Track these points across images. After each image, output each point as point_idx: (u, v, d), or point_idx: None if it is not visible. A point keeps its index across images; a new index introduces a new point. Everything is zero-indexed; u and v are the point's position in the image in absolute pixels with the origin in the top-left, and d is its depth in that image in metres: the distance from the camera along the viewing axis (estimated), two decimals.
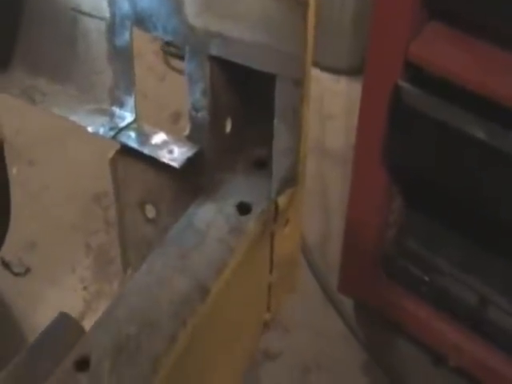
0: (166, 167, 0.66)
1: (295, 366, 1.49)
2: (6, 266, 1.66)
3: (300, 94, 0.60)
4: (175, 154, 0.65)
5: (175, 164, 0.64)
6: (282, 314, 1.58)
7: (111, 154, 0.69)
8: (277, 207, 0.65)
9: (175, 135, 0.67)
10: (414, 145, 1.27)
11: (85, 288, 1.55)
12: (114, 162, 0.70)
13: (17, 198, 1.73)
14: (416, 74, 1.18)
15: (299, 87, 0.60)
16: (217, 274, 0.57)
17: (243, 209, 0.64)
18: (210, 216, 0.63)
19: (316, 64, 2.05)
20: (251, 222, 0.63)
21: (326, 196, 1.87)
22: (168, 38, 0.64)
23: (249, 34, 0.60)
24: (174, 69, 2.06)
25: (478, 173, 1.21)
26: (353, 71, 2.07)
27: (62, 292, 1.53)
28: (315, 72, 2.11)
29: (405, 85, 1.21)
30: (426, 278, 1.45)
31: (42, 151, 1.76)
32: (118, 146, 0.70)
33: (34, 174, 1.74)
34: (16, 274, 1.61)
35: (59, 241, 1.58)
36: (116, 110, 0.69)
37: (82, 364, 0.51)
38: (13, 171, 1.71)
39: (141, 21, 0.65)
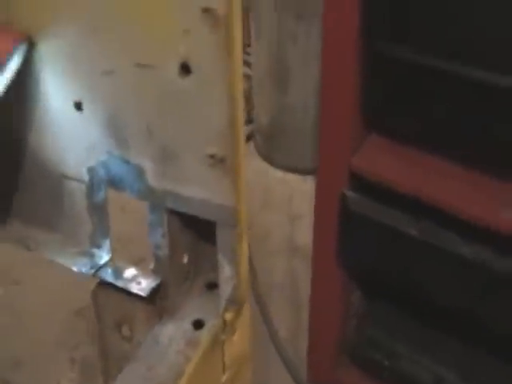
0: (137, 295, 0.84)
1: None
2: None
3: (236, 236, 0.79)
4: (143, 285, 0.83)
5: (143, 293, 0.82)
6: None
7: (92, 286, 0.87)
8: (225, 321, 0.83)
9: (143, 269, 0.85)
10: (362, 245, 1.43)
11: None
12: (94, 294, 0.87)
13: (2, 318, 1.84)
14: (359, 182, 1.34)
15: (235, 230, 0.79)
16: (176, 380, 0.74)
17: (198, 325, 0.82)
18: (171, 332, 0.81)
19: (282, 166, 2.20)
20: (204, 336, 0.80)
21: (296, 291, 1.98)
22: (134, 195, 0.83)
23: (194, 192, 0.79)
24: None
25: (416, 265, 1.36)
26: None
27: None
28: (282, 174, 2.27)
29: (350, 193, 1.37)
30: (386, 363, 1.58)
31: (27, 270, 1.87)
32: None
33: (19, 293, 1.83)
34: None
35: (44, 357, 1.66)
36: (95, 251, 0.88)
37: None
38: None
39: (113, 183, 0.84)
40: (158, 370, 0.76)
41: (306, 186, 2.21)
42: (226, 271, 0.81)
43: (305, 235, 2.01)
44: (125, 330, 0.90)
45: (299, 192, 2.27)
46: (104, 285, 0.86)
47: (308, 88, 1.90)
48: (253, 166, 1.85)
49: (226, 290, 0.82)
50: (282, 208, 2.33)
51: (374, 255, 1.44)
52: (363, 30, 1.21)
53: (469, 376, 1.48)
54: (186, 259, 0.87)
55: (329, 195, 1.44)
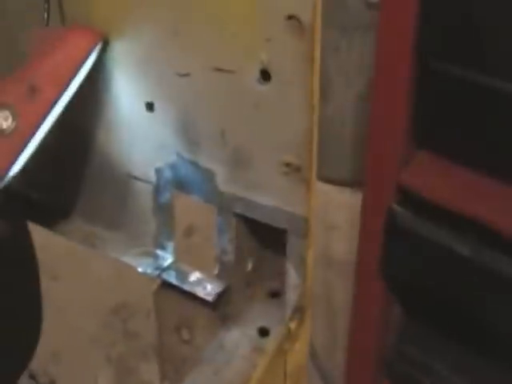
0: (200, 299, 0.84)
1: None
2: (33, 377, 1.75)
3: (306, 245, 0.78)
4: (208, 290, 0.83)
5: (209, 298, 0.82)
6: None
7: (154, 287, 0.87)
8: (289, 330, 0.82)
9: (207, 273, 0.85)
10: (407, 261, 1.42)
11: None
12: (156, 294, 0.87)
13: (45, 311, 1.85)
14: (407, 198, 1.33)
15: (305, 239, 0.78)
16: None
17: (263, 332, 0.82)
18: (236, 338, 0.80)
19: (320, 177, 2.20)
20: (270, 343, 0.80)
21: (331, 302, 1.97)
22: (202, 199, 0.83)
23: (265, 199, 0.78)
24: None
25: (463, 285, 1.35)
26: (355, 183, 2.22)
27: None
28: (319, 184, 2.26)
29: (398, 208, 1.37)
30: (426, 382, 1.57)
31: (66, 266, 1.89)
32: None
33: (58, 289, 1.86)
34: None
35: (81, 352, 1.68)
36: (159, 252, 0.88)
37: None
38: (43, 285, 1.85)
39: (180, 185, 0.84)
40: (224, 374, 0.75)
41: (342, 198, 2.20)
42: (292, 279, 0.80)
43: (340, 247, 2.00)
44: (184, 334, 0.90)
45: (335, 203, 2.27)
46: (166, 285, 0.86)
47: (347, 100, 1.90)
48: None
49: (291, 298, 0.81)
50: (317, 218, 2.32)
51: (418, 271, 1.43)
52: (418, 46, 1.20)
53: None
54: (250, 266, 0.86)
55: (375, 208, 1.43)
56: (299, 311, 0.82)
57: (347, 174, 2.31)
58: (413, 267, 1.40)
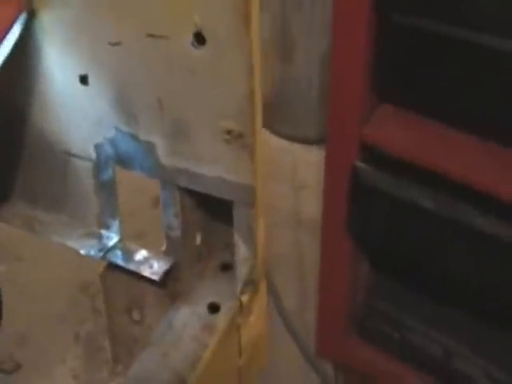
0: (148, 278, 0.80)
1: None
2: None
3: (253, 215, 0.75)
4: (155, 268, 0.79)
5: (155, 277, 0.78)
6: (267, 380, 1.67)
7: (100, 269, 0.83)
8: (241, 304, 0.79)
9: (154, 250, 0.81)
10: (373, 217, 1.40)
11: (75, 377, 1.61)
12: (103, 276, 0.83)
13: (6, 294, 1.80)
14: (370, 153, 1.31)
15: (252, 209, 0.75)
16: (192, 366, 0.71)
17: (213, 308, 0.78)
18: (185, 317, 0.77)
19: (287, 136, 2.17)
20: (220, 319, 0.77)
21: (302, 263, 1.96)
22: (144, 173, 0.79)
23: (208, 170, 0.75)
24: None
25: (429, 238, 1.34)
26: (323, 140, 2.19)
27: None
28: (287, 144, 2.23)
29: (361, 165, 1.34)
30: (396, 335, 1.56)
31: (30, 246, 1.85)
32: None
33: (23, 269, 1.82)
34: (6, 372, 1.65)
35: (49, 333, 1.65)
36: (103, 232, 0.84)
37: None
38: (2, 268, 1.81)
39: (122, 161, 0.80)
40: (173, 356, 0.72)
41: (310, 156, 2.15)
42: (242, 252, 0.77)
43: (310, 206, 1.97)
44: (135, 314, 0.86)
45: (304, 162, 2.24)
46: (113, 267, 0.82)
47: (313, 58, 1.86)
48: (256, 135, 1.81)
49: (242, 271, 0.78)
50: (286, 177, 2.30)
51: (384, 228, 1.41)
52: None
53: (479, 349, 1.47)
54: (198, 240, 0.83)
55: (339, 166, 1.40)
56: (251, 284, 0.79)
57: (314, 132, 2.27)
58: (378, 224, 1.38)
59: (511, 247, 1.24)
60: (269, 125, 1.77)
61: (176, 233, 0.80)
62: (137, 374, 0.71)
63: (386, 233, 1.41)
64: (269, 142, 1.83)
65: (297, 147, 2.26)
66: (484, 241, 1.27)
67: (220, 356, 0.76)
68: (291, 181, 2.14)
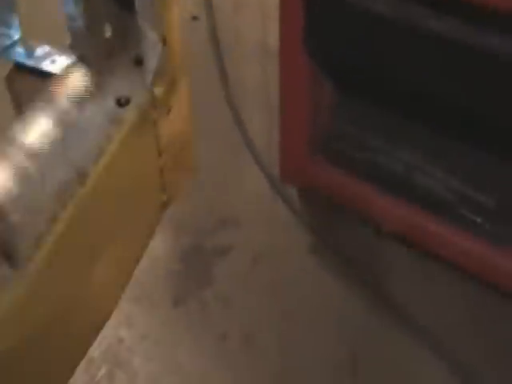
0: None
1: (246, 257, 1.58)
2: None
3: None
4: (57, 63, 0.73)
5: (56, 71, 0.72)
6: (234, 211, 1.67)
7: (5, 72, 0.77)
8: (154, 97, 0.74)
9: (58, 47, 0.75)
10: (329, 30, 1.33)
11: None
12: (9, 79, 0.77)
13: None
14: None
15: None
16: (95, 159, 0.66)
17: (122, 101, 0.73)
18: (91, 111, 0.72)
19: None
20: (129, 112, 0.71)
21: (268, 93, 1.92)
22: None
23: None
24: None
25: (386, 46, 1.28)
26: None
27: None
28: None
29: None
30: (357, 155, 1.54)
31: None
32: None
33: None
34: None
35: None
36: (3, 30, 0.77)
37: None
38: None
39: None
40: (73, 149, 0.67)
41: None
42: (148, 37, 0.70)
43: (278, 37, 1.89)
44: None
45: None
46: (18, 69, 0.76)
47: None
48: None
49: (151, 60, 0.72)
50: (256, 8, 2.21)
51: (341, 40, 1.35)
52: None
53: (439, 163, 1.46)
54: (108, 32, 0.76)
55: None
56: (164, 75, 0.73)
57: None
58: (335, 36, 1.32)
59: (470, 50, 1.18)
60: None
61: (79, 23, 0.73)
62: (23, 168, 0.65)
63: (342, 45, 1.35)
64: None
65: None
66: (441, 44, 1.21)
67: (132, 151, 0.72)
68: (261, 11, 2.05)
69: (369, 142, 1.53)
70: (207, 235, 1.62)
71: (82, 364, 0.73)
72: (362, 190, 1.52)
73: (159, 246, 1.59)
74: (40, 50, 0.75)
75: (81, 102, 0.71)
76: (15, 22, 0.77)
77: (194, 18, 1.81)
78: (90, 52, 0.75)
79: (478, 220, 1.41)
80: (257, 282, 1.53)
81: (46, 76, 0.75)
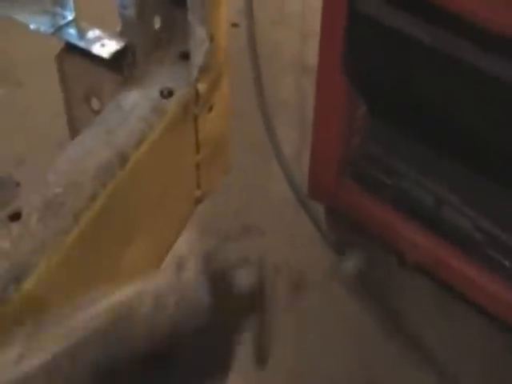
0: (104, 62, 0.75)
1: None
2: None
3: None
4: (107, 47, 0.74)
5: (106, 55, 0.73)
6: (258, 218, 1.66)
7: (57, 52, 0.78)
8: (197, 92, 0.74)
9: (108, 32, 0.76)
10: (369, 53, 1.33)
11: None
12: (59, 58, 0.78)
13: (5, 117, 1.79)
14: None
15: None
16: (136, 145, 0.67)
17: (166, 93, 0.73)
18: (135, 99, 0.72)
19: None
20: (172, 104, 0.72)
21: (303, 108, 1.93)
22: None
23: None
24: None
25: (425, 76, 1.27)
26: None
27: None
28: None
29: None
30: (388, 181, 1.53)
31: (29, 72, 1.84)
32: None
33: (22, 94, 1.81)
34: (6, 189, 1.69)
35: (47, 157, 1.66)
36: (58, 9, 0.78)
37: (14, 216, 0.61)
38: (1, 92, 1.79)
39: None
40: (117, 134, 0.68)
41: (318, 3, 2.06)
42: (197, 33, 0.71)
43: (316, 54, 1.90)
44: (94, 103, 0.81)
45: (312, 9, 2.15)
46: (70, 49, 0.77)
47: None
48: None
49: (197, 56, 0.72)
50: (293, 24, 2.22)
51: (380, 64, 1.35)
52: None
53: (470, 200, 1.44)
54: (157, 24, 0.77)
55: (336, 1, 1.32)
56: (209, 71, 0.74)
57: None
58: (374, 58, 1.32)
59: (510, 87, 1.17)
60: None
61: (130, 12, 0.73)
62: (72, 151, 0.66)
63: (380, 68, 1.35)
64: None
65: None
66: (484, 80, 1.20)
67: (171, 142, 0.72)
68: (299, 28, 2.06)
69: (399, 170, 1.52)
70: (230, 240, 1.62)
71: None
72: (389, 216, 1.51)
73: (183, 245, 1.59)
74: (91, 33, 0.76)
75: (129, 89, 0.72)
76: (70, 3, 0.78)
77: (234, 25, 1.82)
78: (139, 40, 0.76)
79: (507, 263, 1.38)
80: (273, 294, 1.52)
81: (95, 59, 0.76)
